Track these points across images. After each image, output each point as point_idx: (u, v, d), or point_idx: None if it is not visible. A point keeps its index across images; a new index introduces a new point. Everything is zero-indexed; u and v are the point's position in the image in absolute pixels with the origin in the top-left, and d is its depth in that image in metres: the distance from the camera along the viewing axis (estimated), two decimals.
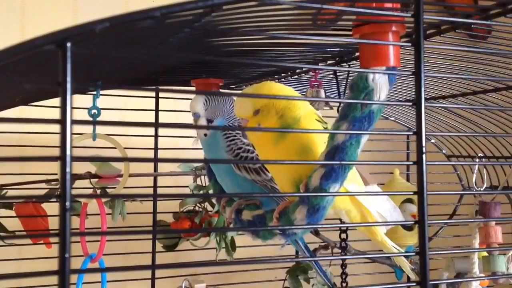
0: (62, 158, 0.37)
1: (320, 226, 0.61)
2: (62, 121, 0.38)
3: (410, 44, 0.49)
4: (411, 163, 0.48)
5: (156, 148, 1.20)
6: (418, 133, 0.47)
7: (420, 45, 0.48)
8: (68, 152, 0.37)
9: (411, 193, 0.47)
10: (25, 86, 0.36)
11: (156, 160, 1.07)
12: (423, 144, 0.47)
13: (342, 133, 0.59)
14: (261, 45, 0.76)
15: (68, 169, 0.37)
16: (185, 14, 0.47)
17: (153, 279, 1.19)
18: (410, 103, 0.48)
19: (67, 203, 0.37)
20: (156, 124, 1.17)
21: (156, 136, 1.21)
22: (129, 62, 0.74)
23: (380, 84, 0.61)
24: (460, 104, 1.03)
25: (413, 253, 0.47)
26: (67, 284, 0.36)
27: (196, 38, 0.65)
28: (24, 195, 1.02)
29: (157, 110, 1.21)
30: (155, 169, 1.22)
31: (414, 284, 0.47)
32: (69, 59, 0.38)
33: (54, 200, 1.09)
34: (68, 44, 0.38)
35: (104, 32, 0.41)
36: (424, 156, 0.47)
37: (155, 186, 1.20)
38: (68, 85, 0.38)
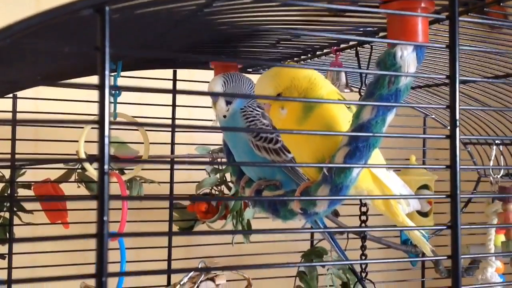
0: (100, 122, 0.37)
1: (345, 197, 0.60)
2: (100, 86, 0.37)
3: (444, 17, 0.49)
4: (444, 136, 0.47)
5: (173, 131, 1.20)
6: (451, 107, 0.47)
7: (455, 19, 0.48)
8: (106, 117, 0.37)
9: (444, 167, 0.47)
10: (64, 50, 0.36)
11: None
12: (457, 117, 0.47)
13: (372, 105, 0.58)
14: (284, 23, 0.76)
15: (106, 133, 0.37)
16: None
17: (169, 260, 1.20)
18: (444, 76, 0.48)
19: (106, 166, 0.37)
20: (174, 105, 1.17)
21: (173, 118, 1.21)
22: (153, 38, 0.74)
23: (408, 61, 0.61)
24: (489, 87, 1.02)
25: (445, 227, 0.47)
26: (105, 247, 0.36)
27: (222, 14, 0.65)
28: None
29: (174, 92, 1.21)
30: (172, 151, 1.22)
31: (445, 257, 0.47)
32: (108, 23, 0.38)
33: (73, 180, 1.10)
34: (107, 8, 0.38)
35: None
36: (457, 129, 0.46)
37: (172, 169, 1.20)
38: (107, 50, 0.38)
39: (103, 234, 0.36)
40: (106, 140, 0.37)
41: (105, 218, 0.36)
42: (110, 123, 0.38)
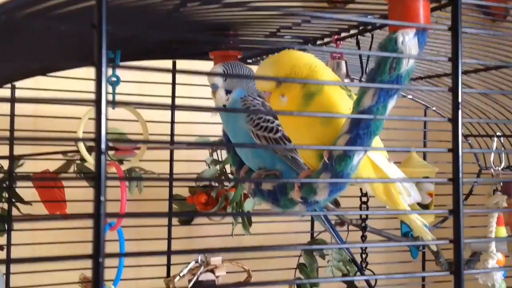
0: (97, 101, 0.37)
1: (345, 180, 0.60)
2: (97, 64, 0.37)
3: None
4: (446, 119, 0.47)
5: (172, 122, 1.20)
6: (454, 90, 0.46)
7: (458, 1, 0.47)
8: (103, 95, 0.37)
9: (446, 150, 0.46)
10: (61, 28, 0.36)
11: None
12: (459, 100, 0.46)
13: (374, 86, 0.57)
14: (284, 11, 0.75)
15: (103, 112, 0.37)
16: None
17: (169, 252, 1.19)
18: (446, 58, 0.47)
19: (103, 146, 0.36)
20: (173, 96, 1.16)
21: (172, 108, 1.20)
22: (152, 25, 0.73)
23: (410, 46, 0.60)
24: (489, 77, 1.02)
25: (447, 212, 0.46)
26: (102, 227, 0.36)
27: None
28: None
29: (174, 84, 1.20)
30: (172, 142, 1.21)
31: (447, 242, 0.46)
32: (105, 0, 0.37)
33: (72, 172, 1.09)
34: None
35: None
36: (460, 112, 0.46)
37: (171, 160, 1.19)
38: (104, 27, 0.37)
39: (100, 214, 0.35)
40: (103, 119, 0.37)
41: (102, 198, 0.36)
42: (107, 102, 0.37)
